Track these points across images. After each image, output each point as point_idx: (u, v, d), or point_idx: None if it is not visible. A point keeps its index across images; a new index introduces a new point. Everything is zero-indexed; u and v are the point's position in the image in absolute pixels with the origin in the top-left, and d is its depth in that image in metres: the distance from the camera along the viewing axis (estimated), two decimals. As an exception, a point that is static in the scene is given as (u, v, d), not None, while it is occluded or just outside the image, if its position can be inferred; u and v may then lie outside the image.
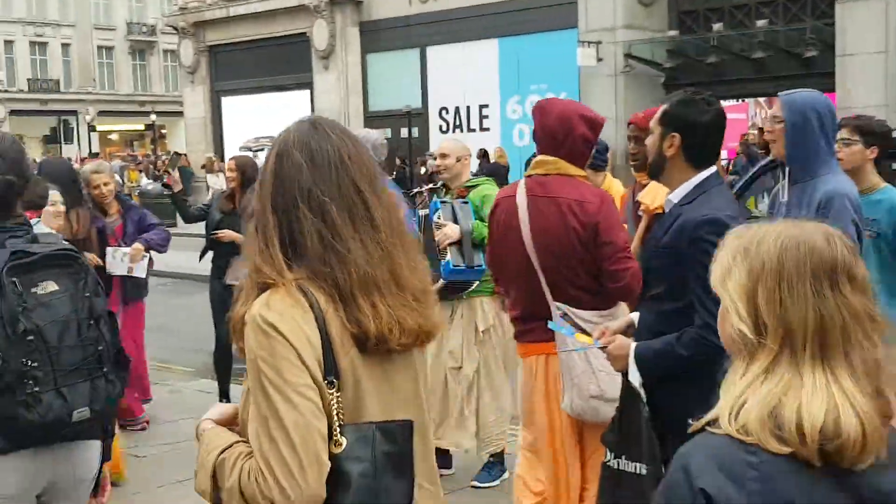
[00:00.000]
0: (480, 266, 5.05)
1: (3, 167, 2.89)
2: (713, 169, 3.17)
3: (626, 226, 4.13)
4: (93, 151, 41.12)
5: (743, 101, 24.06)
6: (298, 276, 1.79)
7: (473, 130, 23.82)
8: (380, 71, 25.49)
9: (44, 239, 3.02)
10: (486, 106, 23.62)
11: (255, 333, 1.74)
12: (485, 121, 23.71)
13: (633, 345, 3.12)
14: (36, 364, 2.75)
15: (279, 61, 27.15)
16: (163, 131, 49.73)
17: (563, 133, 3.79)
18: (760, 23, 20.65)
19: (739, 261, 1.50)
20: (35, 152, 45.41)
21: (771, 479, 1.38)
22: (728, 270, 1.51)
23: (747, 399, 1.43)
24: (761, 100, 25.55)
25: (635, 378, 3.10)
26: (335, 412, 1.75)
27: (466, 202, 5.18)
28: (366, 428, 1.76)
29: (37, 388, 2.75)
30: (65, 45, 50.09)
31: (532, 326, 3.89)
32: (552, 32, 21.97)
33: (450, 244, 5.06)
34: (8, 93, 47.27)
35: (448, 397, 5.34)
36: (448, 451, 5.49)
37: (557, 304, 3.79)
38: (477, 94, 23.61)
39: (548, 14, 21.85)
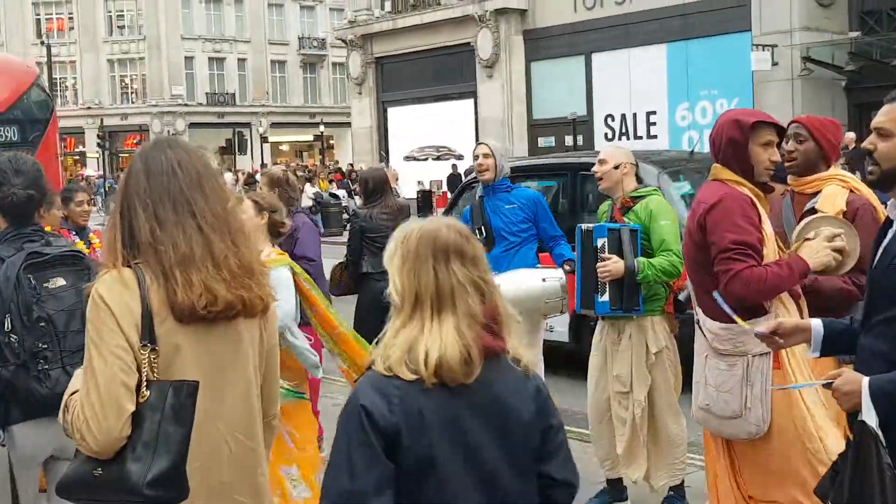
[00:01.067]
0: (639, 309, 4.81)
1: (25, 183, 3.59)
2: None
3: (764, 230, 3.60)
4: (263, 161, 42.91)
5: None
6: (135, 261, 2.26)
7: (640, 138, 23.35)
8: (544, 79, 25.39)
9: (56, 242, 3.72)
10: (654, 113, 23.10)
11: (90, 303, 2.24)
12: (652, 128, 23.20)
13: (866, 379, 2.63)
14: (46, 346, 3.44)
15: (443, 71, 27.53)
16: (331, 142, 51.39)
17: (717, 139, 3.69)
18: (953, 21, 19.34)
19: (397, 248, 2.14)
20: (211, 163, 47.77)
21: (407, 396, 2.03)
22: (392, 255, 2.15)
23: (393, 345, 2.07)
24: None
25: (871, 419, 2.57)
26: (145, 370, 2.20)
27: (636, 230, 4.85)
28: (164, 385, 2.20)
29: (46, 366, 3.43)
30: (241, 60, 52.56)
31: None
32: (723, 36, 21.27)
33: (610, 281, 4.80)
34: (188, 106, 50.03)
35: (612, 424, 5.04)
36: (621, 480, 5.15)
37: (697, 307, 3.68)
38: (644, 101, 23.13)
39: (719, 17, 21.17)
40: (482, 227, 5.76)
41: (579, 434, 6.16)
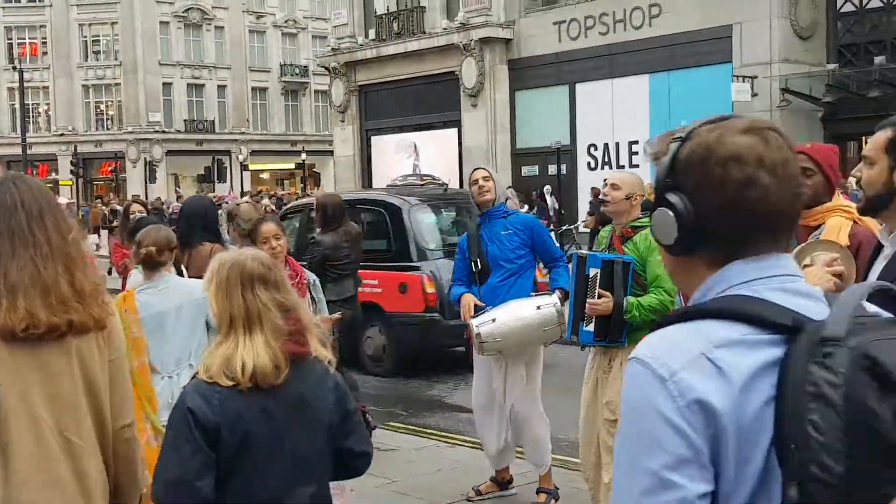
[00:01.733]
0: (622, 342, 4.82)
1: None
2: None
3: None
4: (244, 190, 42.82)
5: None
6: None
7: (623, 167, 23.65)
8: (528, 108, 25.70)
9: None
10: (636, 142, 23.44)
11: None
12: (634, 157, 23.53)
13: None
14: None
15: (427, 100, 27.74)
16: (313, 170, 51.34)
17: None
18: (927, 55, 19.86)
19: (213, 278, 2.69)
20: (189, 191, 47.67)
21: (226, 399, 2.56)
22: (209, 283, 2.70)
23: (213, 358, 2.61)
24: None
25: None
26: None
27: (629, 263, 4.78)
28: None
29: None
30: (220, 87, 52.41)
31: None
32: (704, 67, 21.68)
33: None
34: (165, 133, 49.74)
35: (602, 451, 5.00)
36: None
37: None
38: (626, 131, 23.47)
39: (700, 49, 21.60)
40: (478, 260, 5.67)
41: (564, 462, 6.26)
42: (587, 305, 4.79)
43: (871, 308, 1.33)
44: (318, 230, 7.45)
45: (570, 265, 5.13)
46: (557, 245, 5.71)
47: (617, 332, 4.80)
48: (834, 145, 4.39)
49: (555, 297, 5.44)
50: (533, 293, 5.59)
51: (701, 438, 1.24)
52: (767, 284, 1.34)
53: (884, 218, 3.00)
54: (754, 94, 20.53)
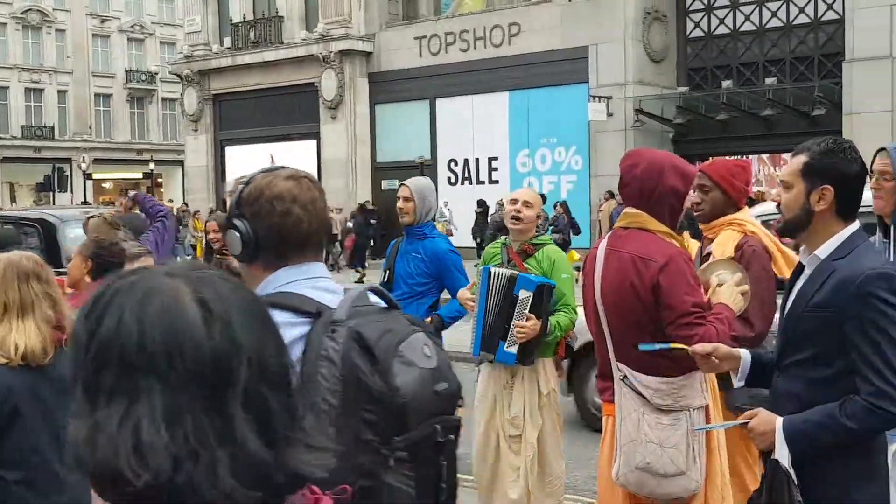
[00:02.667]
0: (533, 361, 4.86)
1: None
2: (857, 223, 2.92)
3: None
4: (86, 200, 40.88)
5: (748, 157, 24.27)
6: None
7: (482, 182, 23.90)
8: (388, 121, 25.61)
9: None
10: (496, 158, 23.72)
11: None
12: (494, 173, 23.80)
13: (780, 419, 2.76)
14: None
15: (285, 111, 27.24)
16: (159, 180, 49.54)
17: (652, 184, 3.55)
18: (769, 81, 20.97)
19: None
20: (27, 200, 45.12)
21: (2, 374, 3.01)
22: None
23: None
24: (765, 157, 25.84)
25: (784, 458, 2.71)
26: None
27: (553, 287, 4.77)
28: None
29: None
30: (61, 92, 49.91)
31: (608, 385, 3.66)
32: (562, 87, 22.17)
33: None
34: (1, 139, 47.09)
35: (500, 463, 4.99)
36: None
37: (619, 364, 3.57)
38: (486, 147, 23.72)
39: (558, 69, 22.08)
40: (387, 270, 5.55)
41: None
42: (515, 328, 4.73)
43: (374, 299, 1.95)
44: None
45: (478, 279, 4.98)
46: (467, 279, 5.49)
47: (532, 353, 4.81)
48: (743, 161, 4.49)
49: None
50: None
51: None
52: (304, 284, 1.95)
53: (802, 240, 3.04)
54: (610, 114, 21.14)
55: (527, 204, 4.94)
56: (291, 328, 1.80)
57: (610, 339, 3.62)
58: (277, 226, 1.93)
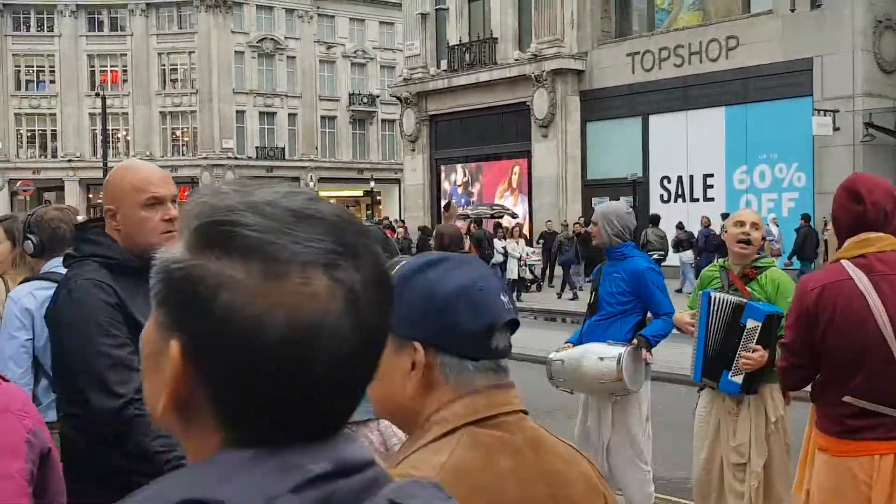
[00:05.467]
0: (757, 391, 4.70)
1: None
2: None
3: None
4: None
5: None
6: None
7: (696, 200, 23.30)
8: (599, 139, 25.50)
9: None
10: (711, 175, 23.07)
11: None
12: (709, 190, 23.15)
13: None
14: None
15: (498, 130, 27.75)
16: (378, 197, 51.78)
17: (893, 207, 3.47)
18: None
19: None
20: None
21: None
22: None
23: None
24: None
25: None
26: None
27: (783, 315, 4.46)
28: None
29: None
30: (291, 115, 53.31)
31: (878, 421, 3.46)
32: (784, 101, 21.26)
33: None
34: (237, 160, 50.67)
35: (723, 491, 4.85)
36: None
37: None
38: (701, 163, 23.12)
39: (778, 82, 21.20)
40: (594, 293, 5.63)
41: (665, 501, 6.02)
42: (740, 359, 4.61)
43: None
44: None
45: (699, 304, 4.90)
46: (667, 298, 5.47)
47: (758, 382, 4.68)
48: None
49: (619, 350, 5.21)
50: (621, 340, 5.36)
51: None
52: None
53: None
54: (836, 129, 20.06)
55: (755, 226, 4.79)
56: None
57: None
58: None
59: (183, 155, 51.89)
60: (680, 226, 21.54)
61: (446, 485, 0.93)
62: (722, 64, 22.40)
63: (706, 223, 21.43)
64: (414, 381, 1.38)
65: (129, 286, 2.75)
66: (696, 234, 20.19)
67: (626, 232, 5.56)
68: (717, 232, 18.18)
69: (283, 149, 52.72)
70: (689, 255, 20.32)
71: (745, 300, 4.72)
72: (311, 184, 45.56)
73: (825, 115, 20.05)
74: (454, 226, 8.92)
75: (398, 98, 31.41)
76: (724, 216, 21.37)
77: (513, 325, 1.45)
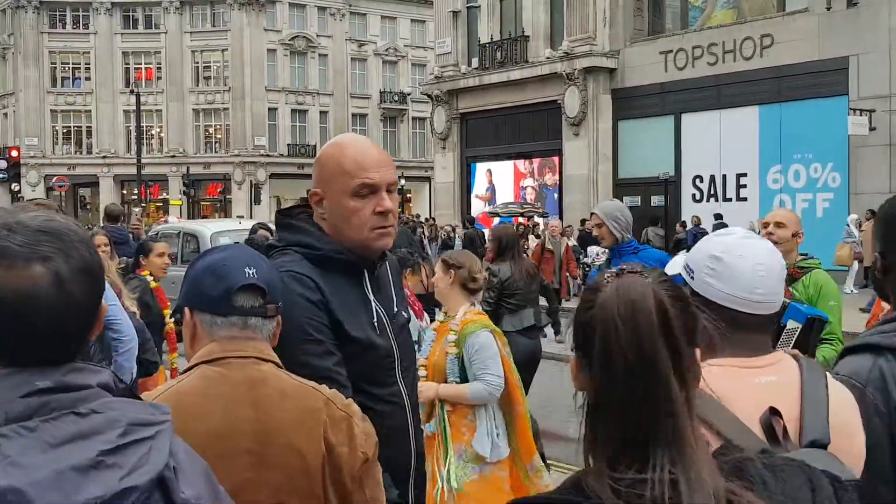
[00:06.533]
0: None
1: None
2: None
3: None
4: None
5: None
6: None
7: (729, 200, 23.08)
8: (631, 138, 25.33)
9: None
10: (744, 175, 22.84)
11: None
12: (742, 190, 22.92)
13: None
14: None
15: (529, 128, 27.65)
16: (408, 195, 51.84)
17: None
18: None
19: None
20: (290, 212, 48.37)
21: None
22: None
23: None
24: None
25: None
26: None
27: (826, 320, 4.22)
28: None
29: None
30: (322, 113, 53.60)
31: None
32: (819, 100, 20.99)
33: None
34: (269, 157, 51.01)
35: None
36: None
37: None
38: (734, 163, 22.90)
39: (814, 80, 20.94)
40: None
41: None
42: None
43: None
44: (490, 262, 7.30)
45: None
46: None
47: None
48: None
49: None
50: None
51: None
52: None
53: None
54: (872, 129, 19.77)
55: (779, 224, 4.72)
56: None
57: None
58: None
59: (215, 152, 52.28)
60: (682, 224, 21.39)
61: (165, 403, 1.43)
62: (756, 62, 22.16)
63: (696, 222, 21.39)
64: (187, 334, 1.93)
65: (335, 283, 2.32)
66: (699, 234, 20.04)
67: (630, 225, 5.54)
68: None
69: (315, 146, 52.90)
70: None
71: (786, 300, 4.63)
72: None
73: (861, 115, 19.77)
74: (510, 227, 8.98)
75: (429, 96, 31.39)
76: (717, 217, 21.28)
77: (255, 290, 1.87)
